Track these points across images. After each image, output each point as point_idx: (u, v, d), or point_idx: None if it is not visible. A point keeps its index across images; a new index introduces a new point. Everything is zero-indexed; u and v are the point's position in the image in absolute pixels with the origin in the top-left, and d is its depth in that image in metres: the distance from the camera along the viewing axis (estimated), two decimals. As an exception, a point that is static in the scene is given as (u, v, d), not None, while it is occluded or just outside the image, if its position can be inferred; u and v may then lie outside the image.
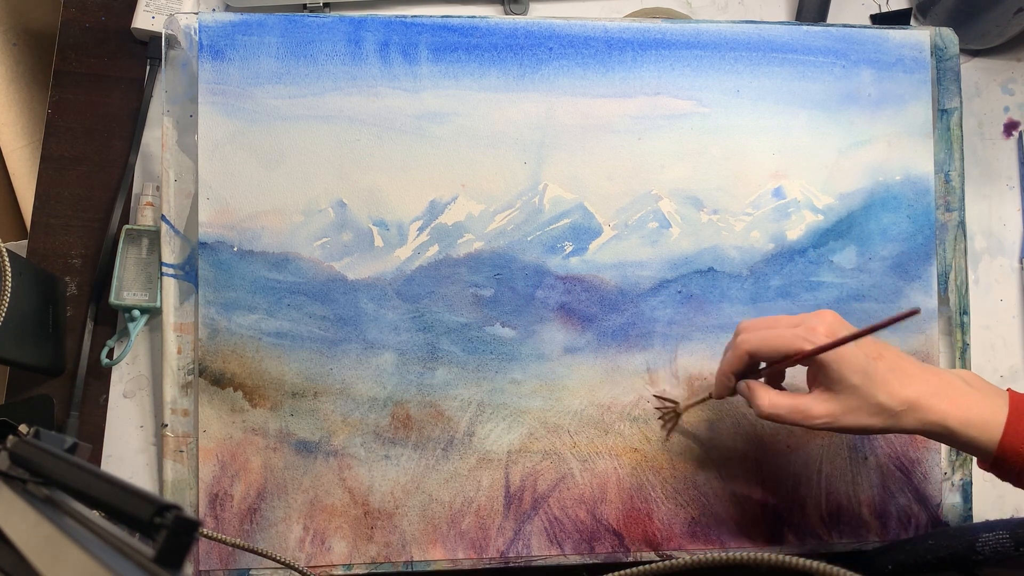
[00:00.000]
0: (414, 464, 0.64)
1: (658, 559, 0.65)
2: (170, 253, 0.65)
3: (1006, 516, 0.71)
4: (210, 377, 0.64)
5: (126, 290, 0.66)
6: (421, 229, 0.66)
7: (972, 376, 0.55)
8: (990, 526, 0.57)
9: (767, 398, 0.53)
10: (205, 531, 0.51)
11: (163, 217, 0.65)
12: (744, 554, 0.42)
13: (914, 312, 0.46)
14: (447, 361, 0.65)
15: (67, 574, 0.26)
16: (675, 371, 0.67)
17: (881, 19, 0.79)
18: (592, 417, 0.66)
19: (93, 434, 0.66)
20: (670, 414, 0.66)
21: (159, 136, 0.68)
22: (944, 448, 0.69)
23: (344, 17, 0.67)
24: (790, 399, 0.53)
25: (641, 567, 0.41)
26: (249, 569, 0.63)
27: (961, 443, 0.53)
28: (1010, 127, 0.78)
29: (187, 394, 0.64)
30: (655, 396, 0.66)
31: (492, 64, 0.67)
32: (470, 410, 0.65)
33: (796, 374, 0.58)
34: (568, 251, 0.67)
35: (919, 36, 0.71)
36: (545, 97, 0.68)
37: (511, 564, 0.65)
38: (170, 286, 0.65)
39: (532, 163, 0.67)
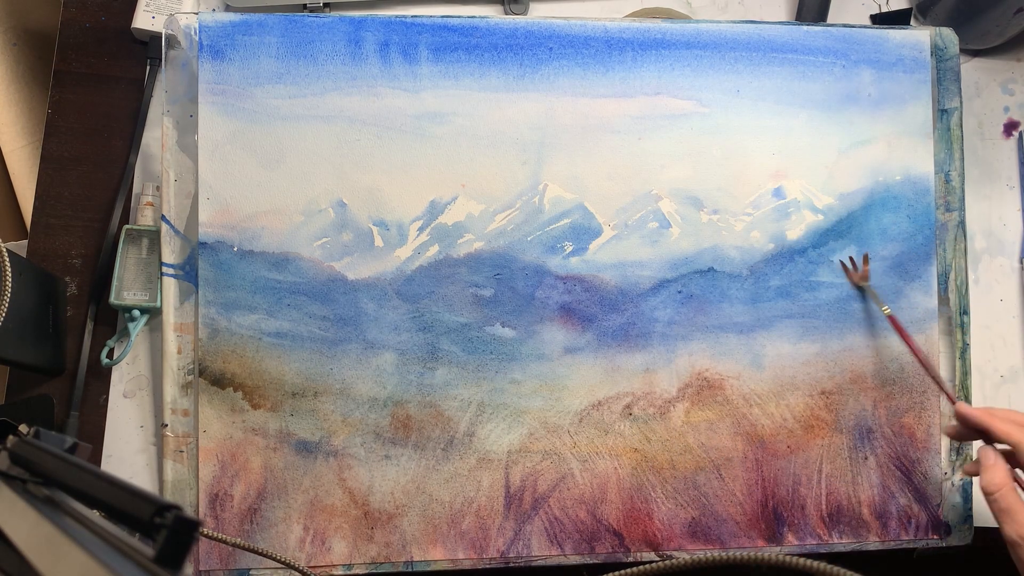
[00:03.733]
0: (414, 464, 0.64)
1: (658, 559, 0.65)
2: (170, 253, 0.65)
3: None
4: (210, 377, 0.64)
5: (126, 290, 0.66)
6: (421, 229, 0.66)
7: None
8: None
9: (995, 479, 0.54)
10: (205, 531, 0.51)
11: (163, 217, 0.65)
12: (744, 554, 0.42)
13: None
14: (447, 361, 0.65)
15: (67, 574, 0.26)
16: (675, 371, 0.67)
17: (881, 19, 0.79)
18: (592, 417, 0.66)
19: (93, 434, 0.66)
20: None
21: (159, 136, 0.68)
22: (944, 448, 0.69)
23: (344, 17, 0.67)
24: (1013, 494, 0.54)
25: (641, 567, 0.41)
26: (249, 569, 0.63)
27: None
28: (1010, 127, 0.78)
29: (187, 394, 0.64)
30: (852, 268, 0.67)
31: (492, 64, 0.67)
32: (470, 410, 0.65)
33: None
34: (568, 251, 0.67)
35: (919, 36, 0.71)
36: (545, 97, 0.68)
37: (511, 564, 0.65)
38: (170, 286, 0.65)
39: (532, 163, 0.67)
